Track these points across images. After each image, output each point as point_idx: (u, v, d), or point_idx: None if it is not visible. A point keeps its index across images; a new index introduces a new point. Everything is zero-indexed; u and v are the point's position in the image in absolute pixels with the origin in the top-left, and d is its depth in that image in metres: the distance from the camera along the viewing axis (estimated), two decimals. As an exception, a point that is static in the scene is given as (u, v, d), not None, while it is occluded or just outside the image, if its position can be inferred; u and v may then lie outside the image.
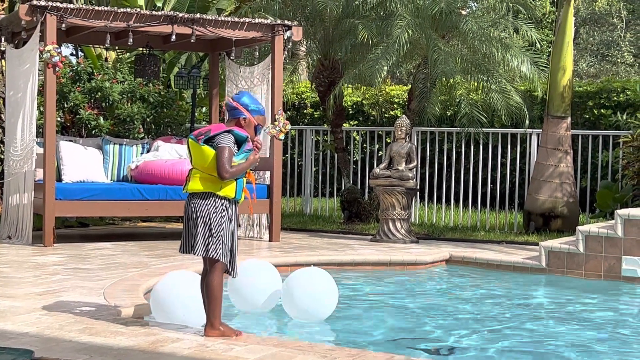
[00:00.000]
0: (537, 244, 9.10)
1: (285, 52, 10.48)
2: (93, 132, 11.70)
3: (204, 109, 17.24)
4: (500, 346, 5.55)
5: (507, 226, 11.67)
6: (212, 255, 4.92)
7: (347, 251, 9.22)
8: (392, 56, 10.99)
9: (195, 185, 4.96)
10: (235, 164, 4.91)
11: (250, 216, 10.52)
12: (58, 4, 9.31)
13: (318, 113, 16.37)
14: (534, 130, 11.63)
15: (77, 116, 11.74)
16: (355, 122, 15.98)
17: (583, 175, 12.54)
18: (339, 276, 7.51)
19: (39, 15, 9.16)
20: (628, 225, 8.03)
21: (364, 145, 15.08)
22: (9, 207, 9.74)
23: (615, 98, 13.39)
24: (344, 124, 13.91)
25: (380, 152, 14.03)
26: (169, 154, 10.77)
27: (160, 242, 9.73)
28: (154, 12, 9.75)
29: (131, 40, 9.62)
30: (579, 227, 8.40)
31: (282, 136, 10.15)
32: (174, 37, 9.74)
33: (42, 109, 10.10)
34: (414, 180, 10.38)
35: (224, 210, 4.95)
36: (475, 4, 15.21)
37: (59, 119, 11.50)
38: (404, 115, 11.16)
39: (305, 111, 16.81)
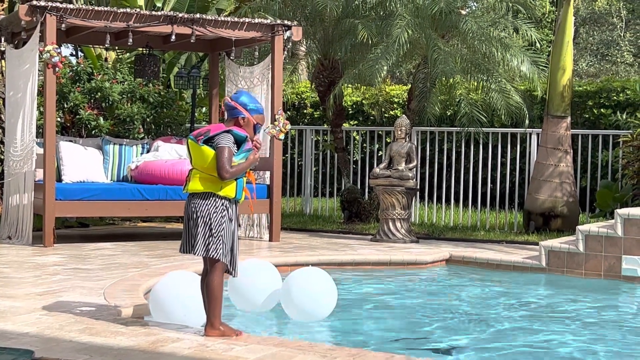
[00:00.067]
0: (537, 244, 9.10)
1: (285, 52, 10.48)
2: (93, 132, 11.69)
3: (203, 109, 17.23)
4: (500, 346, 5.55)
5: (507, 226, 11.67)
6: (213, 255, 4.92)
7: (347, 251, 9.22)
8: (392, 56, 10.99)
9: (196, 185, 4.96)
10: (235, 163, 4.91)
11: (250, 216, 10.52)
12: (58, 4, 9.31)
13: (318, 113, 16.37)
14: (533, 129, 11.62)
15: (77, 116, 11.73)
16: (355, 122, 15.99)
17: (583, 174, 12.54)
18: (339, 276, 7.52)
19: (38, 15, 9.16)
20: (628, 224, 8.03)
21: (364, 145, 15.08)
22: (9, 207, 9.73)
23: (615, 97, 13.39)
24: (344, 124, 13.91)
25: (380, 152, 14.02)
26: (169, 154, 10.77)
27: (160, 242, 9.73)
28: (153, 13, 9.76)
29: (131, 40, 9.63)
30: (579, 227, 8.41)
31: (282, 136, 10.15)
32: (173, 37, 9.74)
33: (42, 109, 10.09)
34: (414, 180, 10.38)
35: (224, 210, 4.95)
36: (475, 4, 15.19)
37: (59, 119, 11.49)
38: (403, 115, 11.17)
39: (305, 111, 16.81)
